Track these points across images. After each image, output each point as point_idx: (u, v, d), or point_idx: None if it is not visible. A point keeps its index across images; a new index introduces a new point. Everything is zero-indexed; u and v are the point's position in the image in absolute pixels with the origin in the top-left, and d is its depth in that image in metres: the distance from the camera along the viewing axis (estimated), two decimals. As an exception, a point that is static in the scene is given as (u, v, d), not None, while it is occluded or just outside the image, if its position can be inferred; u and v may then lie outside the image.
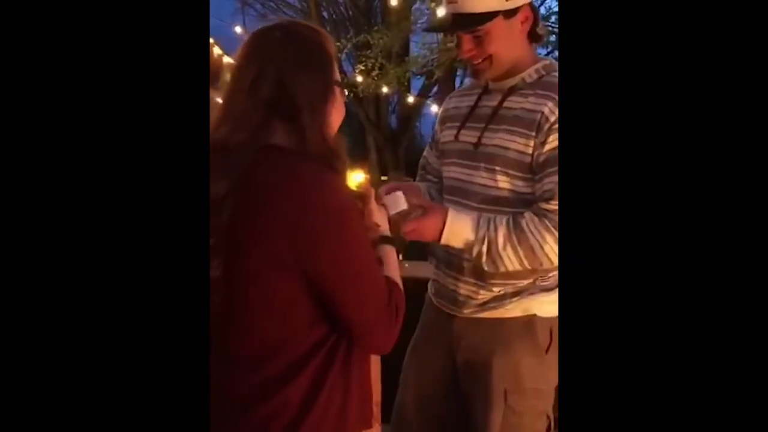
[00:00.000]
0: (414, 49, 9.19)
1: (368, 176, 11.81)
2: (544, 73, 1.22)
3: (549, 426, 1.31)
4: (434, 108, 9.45)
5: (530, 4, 1.20)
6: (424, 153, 1.49)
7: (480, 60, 1.18)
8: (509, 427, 1.25)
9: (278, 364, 0.88)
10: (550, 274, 1.26)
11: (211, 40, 7.61)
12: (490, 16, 1.11)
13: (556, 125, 1.11)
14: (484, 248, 1.15)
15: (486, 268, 1.19)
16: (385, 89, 8.43)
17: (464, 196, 1.28)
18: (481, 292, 1.28)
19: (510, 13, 1.14)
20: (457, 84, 8.65)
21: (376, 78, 8.15)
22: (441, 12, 1.19)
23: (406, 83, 8.71)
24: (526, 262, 1.16)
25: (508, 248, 1.14)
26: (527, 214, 1.16)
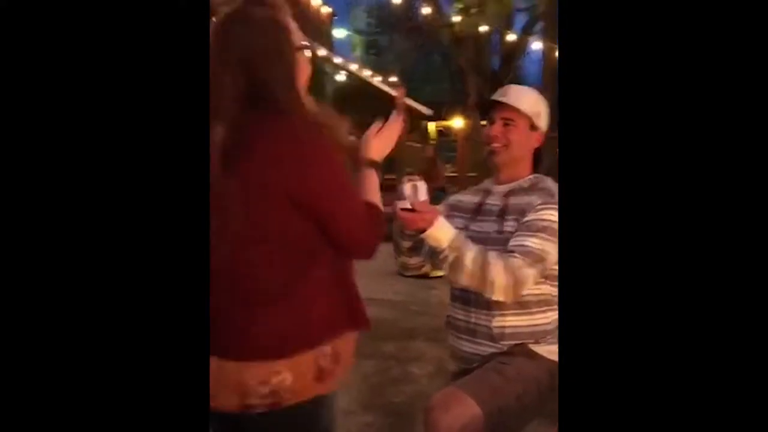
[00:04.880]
0: (515, -17, 8.70)
1: (468, 121, 11.49)
2: (535, 181, 1.67)
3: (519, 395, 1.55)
4: (537, 45, 8.89)
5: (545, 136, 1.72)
6: None
7: (501, 144, 1.65)
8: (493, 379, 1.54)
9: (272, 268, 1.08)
10: (549, 335, 1.60)
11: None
12: (525, 114, 1.65)
13: (538, 208, 1.56)
14: (452, 256, 1.46)
15: (443, 273, 1.56)
16: (484, 27, 8.05)
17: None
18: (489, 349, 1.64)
19: (533, 127, 1.66)
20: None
21: (474, 15, 7.82)
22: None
23: (505, 19, 8.27)
24: (473, 282, 1.49)
25: (469, 264, 1.46)
26: (494, 252, 1.50)
